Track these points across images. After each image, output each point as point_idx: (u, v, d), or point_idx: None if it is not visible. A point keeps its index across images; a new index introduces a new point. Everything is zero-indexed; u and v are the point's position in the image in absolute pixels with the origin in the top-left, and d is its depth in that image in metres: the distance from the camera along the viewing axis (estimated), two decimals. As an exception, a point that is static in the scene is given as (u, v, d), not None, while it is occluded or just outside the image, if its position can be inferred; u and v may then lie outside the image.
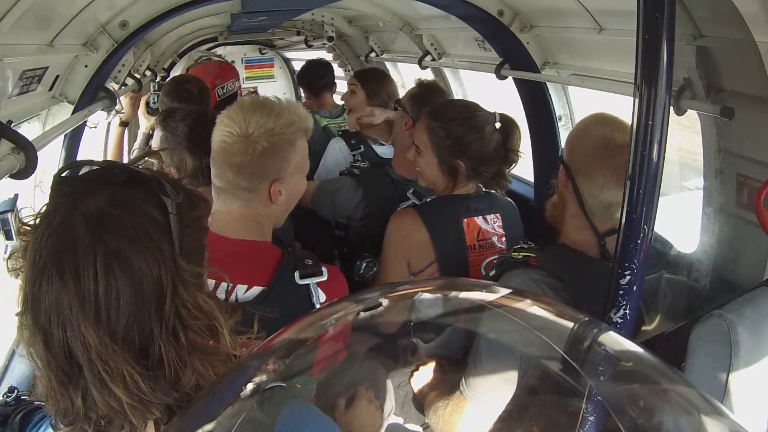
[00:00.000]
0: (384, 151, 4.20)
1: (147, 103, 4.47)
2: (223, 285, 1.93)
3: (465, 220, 2.87)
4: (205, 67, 5.87)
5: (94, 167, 1.17)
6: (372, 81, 4.48)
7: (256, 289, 2.02)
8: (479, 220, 2.90)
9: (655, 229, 2.42)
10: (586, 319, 1.08)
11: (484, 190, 2.98)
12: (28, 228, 1.09)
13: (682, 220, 3.03)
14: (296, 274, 2.07)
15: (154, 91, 4.53)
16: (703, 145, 2.52)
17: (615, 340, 1.13)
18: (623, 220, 1.71)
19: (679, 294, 2.42)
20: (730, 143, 2.40)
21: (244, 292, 2.01)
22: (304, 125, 2.16)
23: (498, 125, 2.85)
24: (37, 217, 1.09)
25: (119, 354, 1.02)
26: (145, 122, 4.46)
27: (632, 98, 1.69)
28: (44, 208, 1.09)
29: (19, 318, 1.08)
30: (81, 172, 1.16)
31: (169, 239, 1.09)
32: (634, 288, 1.72)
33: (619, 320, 1.73)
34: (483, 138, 2.82)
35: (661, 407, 1.03)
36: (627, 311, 1.73)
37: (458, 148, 2.82)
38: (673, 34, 1.62)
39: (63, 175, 1.14)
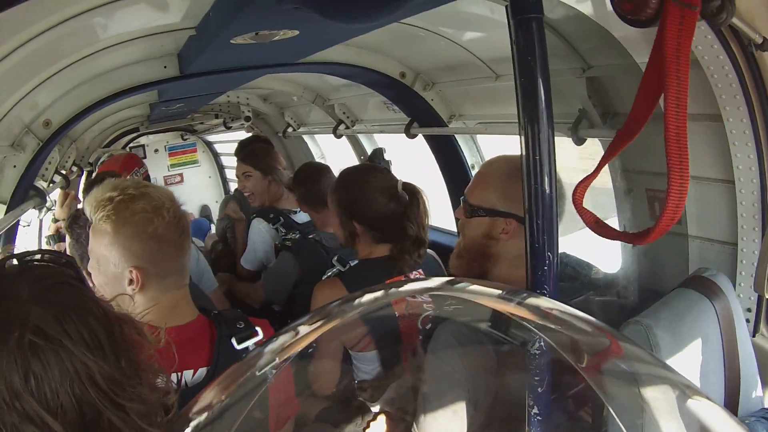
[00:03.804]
0: (300, 217, 4.19)
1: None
2: (173, 376, 1.82)
3: (388, 282, 2.66)
4: (109, 162, 5.76)
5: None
6: (262, 157, 4.46)
7: (202, 371, 1.89)
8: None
9: (582, 255, 2.42)
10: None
11: None
12: None
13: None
14: (233, 341, 1.94)
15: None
16: (610, 169, 2.54)
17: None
18: (528, 251, 1.68)
19: (608, 312, 2.39)
20: (633, 162, 2.43)
21: (192, 377, 1.87)
22: None
23: (402, 193, 2.75)
24: None
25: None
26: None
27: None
28: None
29: None
30: None
31: None
32: (550, 313, 1.67)
33: (537, 352, 1.66)
34: (375, 201, 2.73)
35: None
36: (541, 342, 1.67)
37: (351, 210, 2.76)
38: (547, 73, 1.63)
39: None
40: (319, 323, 1.28)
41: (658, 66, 1.28)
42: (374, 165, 3.34)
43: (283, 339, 1.28)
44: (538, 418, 1.59)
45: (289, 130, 6.03)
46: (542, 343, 1.56)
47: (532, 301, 1.15)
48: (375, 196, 2.73)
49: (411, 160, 5.41)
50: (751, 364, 2.01)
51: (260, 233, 4.13)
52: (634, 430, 0.99)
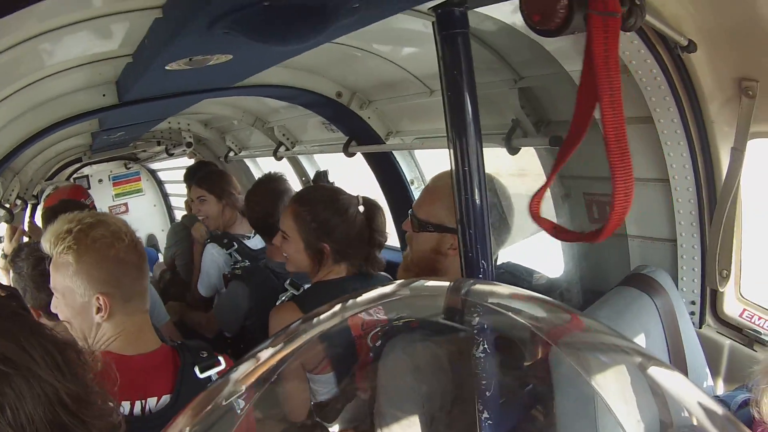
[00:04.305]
0: (254, 243, 4.13)
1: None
2: (138, 403, 1.86)
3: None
4: (56, 194, 5.69)
5: None
6: (217, 181, 4.40)
7: (166, 398, 1.89)
8: None
9: (529, 263, 2.44)
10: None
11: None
12: None
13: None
14: (196, 370, 1.97)
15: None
16: (545, 175, 2.57)
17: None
18: (462, 261, 1.71)
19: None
20: (570, 168, 2.45)
21: (155, 404, 1.88)
22: None
23: (361, 208, 2.77)
24: None
25: None
26: None
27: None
28: None
29: None
30: None
31: None
32: (486, 320, 1.68)
33: (481, 355, 1.64)
34: (347, 220, 2.71)
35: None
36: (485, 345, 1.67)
37: (323, 231, 2.71)
38: (473, 87, 1.65)
39: None
40: (281, 345, 1.26)
41: (591, 74, 1.28)
42: (331, 186, 3.32)
43: (246, 366, 1.26)
44: (489, 422, 1.59)
45: (231, 154, 5.96)
46: (486, 346, 1.56)
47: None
48: (347, 213, 2.73)
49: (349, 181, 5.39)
50: (698, 355, 2.04)
51: (213, 258, 4.05)
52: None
